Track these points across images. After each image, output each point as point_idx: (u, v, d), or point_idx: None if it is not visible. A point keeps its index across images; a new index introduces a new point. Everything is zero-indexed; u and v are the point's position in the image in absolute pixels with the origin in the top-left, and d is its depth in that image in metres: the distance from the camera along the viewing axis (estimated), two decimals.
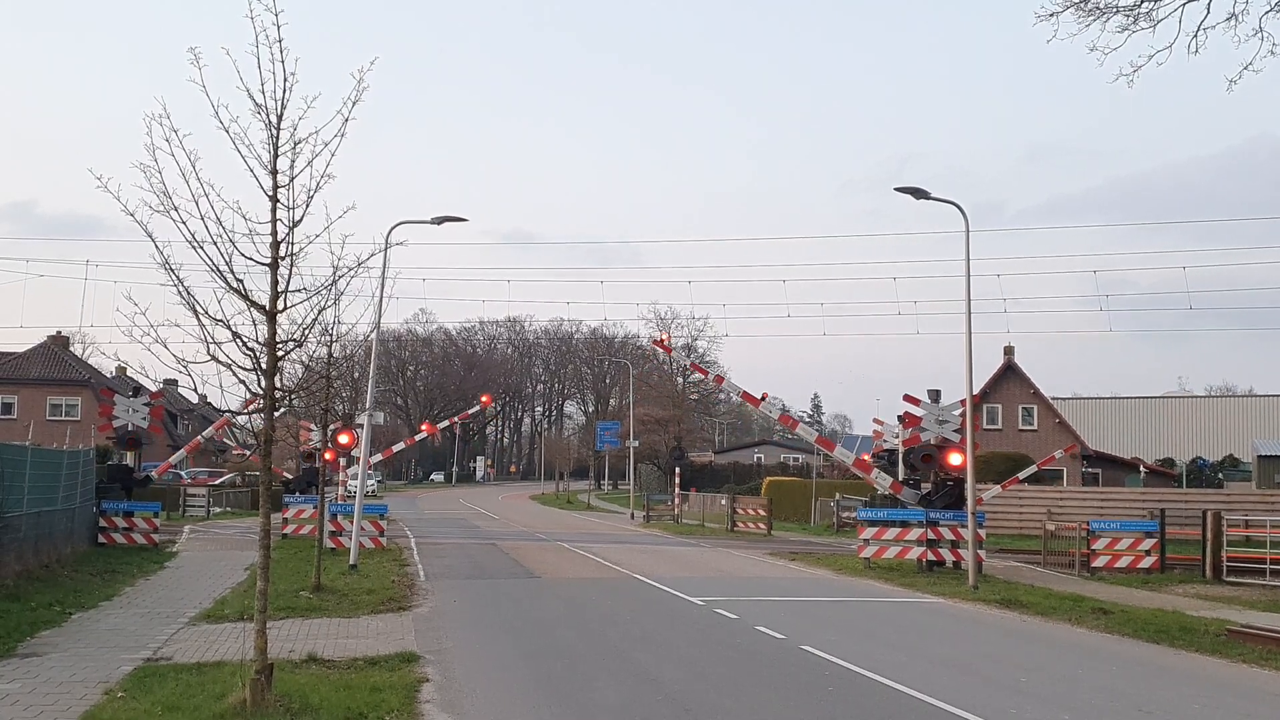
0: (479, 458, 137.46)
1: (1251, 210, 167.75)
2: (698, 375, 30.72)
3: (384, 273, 23.09)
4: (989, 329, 64.57)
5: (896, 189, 25.92)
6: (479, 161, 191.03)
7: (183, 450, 32.96)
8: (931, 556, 25.20)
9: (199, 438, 35.42)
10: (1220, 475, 59.58)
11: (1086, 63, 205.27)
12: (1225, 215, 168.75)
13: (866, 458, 28.22)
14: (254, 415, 10.96)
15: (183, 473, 62.80)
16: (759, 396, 29.80)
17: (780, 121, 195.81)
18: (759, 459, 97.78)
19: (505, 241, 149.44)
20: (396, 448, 42.91)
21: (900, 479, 27.34)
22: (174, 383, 58.92)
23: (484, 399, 51.52)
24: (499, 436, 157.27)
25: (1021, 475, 31.51)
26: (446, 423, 57.81)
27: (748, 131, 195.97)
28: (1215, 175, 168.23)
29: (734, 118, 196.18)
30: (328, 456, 30.97)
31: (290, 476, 34.94)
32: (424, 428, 48.65)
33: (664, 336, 30.45)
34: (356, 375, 33.22)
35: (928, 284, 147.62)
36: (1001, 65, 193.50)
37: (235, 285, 10.01)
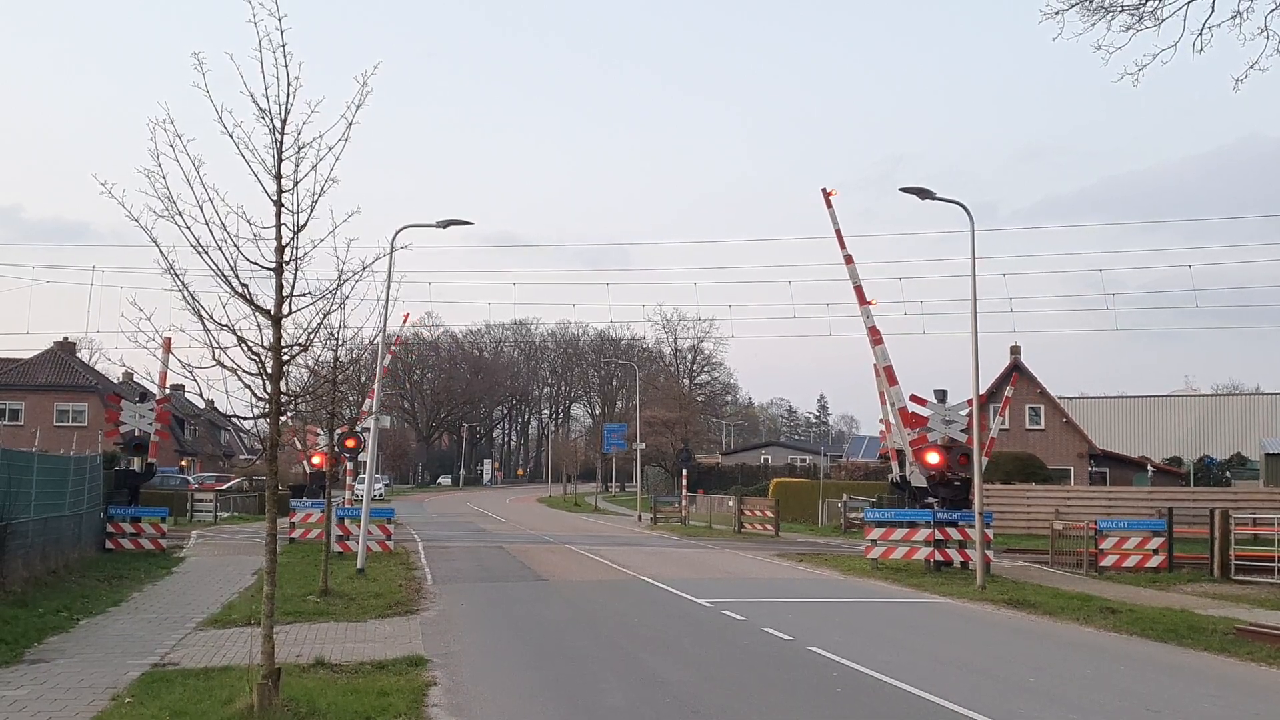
0: (486, 461, 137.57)
1: (1244, 209, 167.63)
2: (841, 252, 27.78)
3: (389, 276, 23.09)
4: (994, 329, 64.64)
5: (902, 189, 25.89)
6: (466, 164, 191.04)
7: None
8: (939, 557, 25.15)
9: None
10: (1228, 474, 59.39)
11: (1080, 63, 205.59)
12: (1219, 214, 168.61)
13: (910, 412, 27.37)
14: (260, 420, 10.95)
15: (190, 478, 62.95)
16: (869, 300, 28.33)
17: (772, 123, 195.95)
18: (766, 460, 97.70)
19: (495, 244, 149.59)
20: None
21: (904, 478, 27.39)
22: (180, 388, 59.10)
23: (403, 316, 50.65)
24: (506, 439, 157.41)
25: (993, 432, 31.13)
26: (388, 356, 57.02)
27: (738, 132, 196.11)
28: (1208, 175, 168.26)
29: (724, 118, 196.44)
30: (316, 461, 30.89)
31: (309, 472, 34.86)
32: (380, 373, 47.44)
33: (832, 192, 28.44)
34: (363, 379, 33.22)
35: (932, 284, 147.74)
36: (994, 66, 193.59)
37: (240, 290, 9.99)
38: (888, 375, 27.08)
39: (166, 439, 31.83)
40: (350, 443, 29.09)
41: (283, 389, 10.37)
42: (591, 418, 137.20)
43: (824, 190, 28.01)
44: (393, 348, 54.75)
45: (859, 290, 27.78)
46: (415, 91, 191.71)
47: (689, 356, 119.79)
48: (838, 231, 27.86)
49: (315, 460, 31.31)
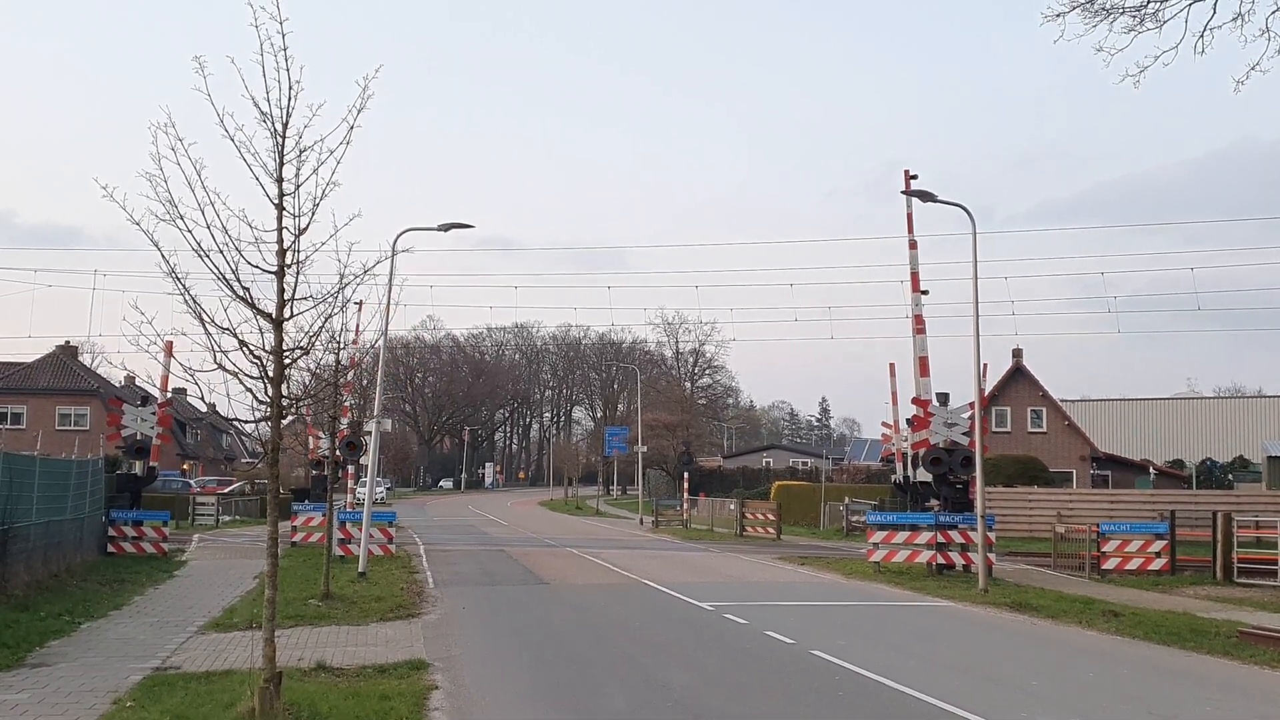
0: (488, 464, 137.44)
1: (1244, 211, 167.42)
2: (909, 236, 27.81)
3: (391, 280, 23.07)
4: (995, 331, 64.57)
5: (904, 192, 25.88)
6: (464, 168, 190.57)
7: None
8: (941, 560, 25.12)
9: None
10: (1230, 476, 59.28)
11: (1076, 68, 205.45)
12: (1218, 217, 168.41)
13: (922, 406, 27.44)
14: (262, 423, 10.94)
15: (192, 481, 62.99)
16: (921, 289, 28.31)
17: (766, 128, 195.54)
18: (768, 463, 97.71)
19: (493, 248, 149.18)
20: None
21: (905, 479, 27.44)
22: (182, 391, 58.60)
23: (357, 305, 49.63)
24: (508, 443, 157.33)
25: (986, 426, 30.96)
26: (353, 346, 55.80)
27: (738, 137, 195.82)
28: (1206, 178, 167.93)
29: (723, 123, 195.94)
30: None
31: (311, 475, 34.88)
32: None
33: (913, 175, 28.18)
34: (365, 383, 33.24)
35: (932, 286, 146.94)
36: (990, 72, 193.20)
37: (242, 294, 9.97)
38: (921, 366, 27.21)
39: (168, 442, 31.75)
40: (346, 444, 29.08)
41: (284, 392, 10.36)
42: (593, 421, 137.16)
43: (906, 172, 27.90)
44: (355, 339, 54.16)
45: (915, 276, 27.83)
46: (414, 95, 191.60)
47: (690, 359, 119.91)
48: (909, 215, 27.81)
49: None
